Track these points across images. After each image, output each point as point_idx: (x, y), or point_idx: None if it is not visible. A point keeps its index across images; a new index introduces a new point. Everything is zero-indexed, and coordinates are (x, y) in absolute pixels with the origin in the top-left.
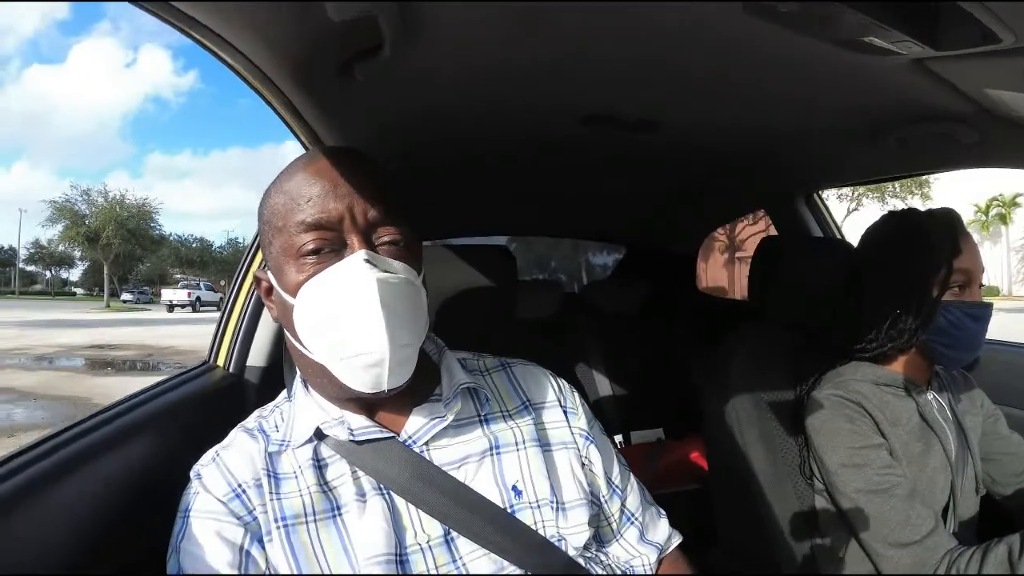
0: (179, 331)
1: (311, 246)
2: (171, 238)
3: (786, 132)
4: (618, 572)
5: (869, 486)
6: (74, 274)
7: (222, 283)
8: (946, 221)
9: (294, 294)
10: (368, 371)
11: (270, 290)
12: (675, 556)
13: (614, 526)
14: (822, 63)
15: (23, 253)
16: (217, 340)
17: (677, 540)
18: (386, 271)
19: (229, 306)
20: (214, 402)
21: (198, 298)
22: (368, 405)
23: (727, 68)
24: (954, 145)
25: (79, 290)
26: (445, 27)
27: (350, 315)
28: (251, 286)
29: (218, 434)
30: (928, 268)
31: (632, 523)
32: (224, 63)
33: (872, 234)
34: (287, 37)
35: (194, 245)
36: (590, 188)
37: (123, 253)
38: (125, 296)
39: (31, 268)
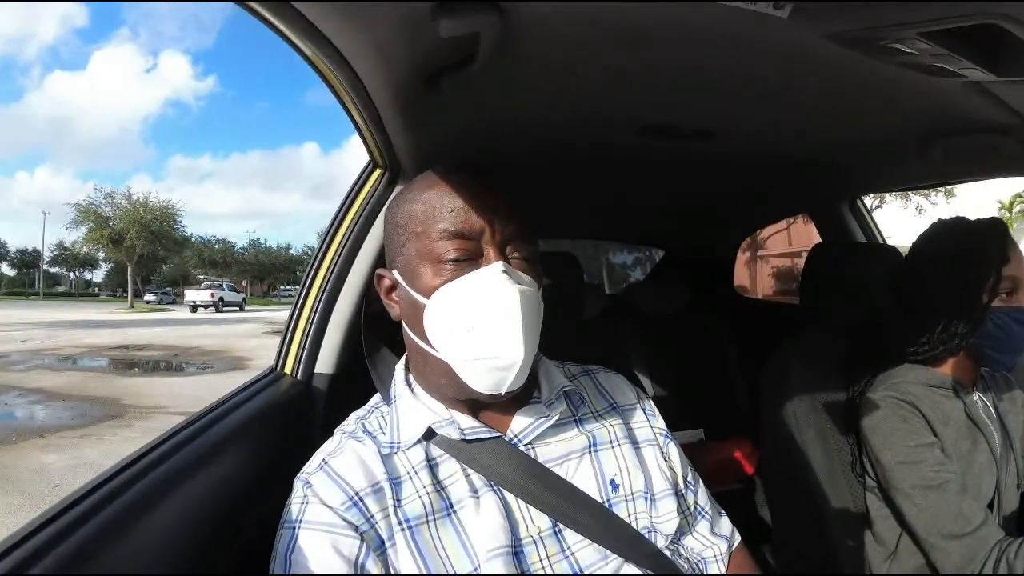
0: (203, 331)
1: (452, 254)
2: (194, 239)
3: (839, 141)
4: (694, 563)
5: (924, 482)
6: (97, 275)
7: (244, 283)
8: (995, 230)
9: (428, 295)
10: (495, 373)
11: (392, 288)
12: (742, 551)
13: (689, 520)
14: (882, 79)
15: (47, 255)
16: (284, 347)
17: (738, 537)
18: (519, 283)
19: (296, 312)
20: (286, 411)
21: (221, 298)
22: (474, 408)
23: (787, 81)
24: (996, 155)
25: (103, 292)
26: (533, 43)
27: (490, 320)
28: (319, 292)
29: (295, 443)
30: (978, 276)
31: (703, 517)
32: (323, 77)
33: (923, 242)
34: (397, 54)
35: (216, 246)
36: (637, 194)
37: (147, 254)
38: (148, 297)
39: (54, 270)
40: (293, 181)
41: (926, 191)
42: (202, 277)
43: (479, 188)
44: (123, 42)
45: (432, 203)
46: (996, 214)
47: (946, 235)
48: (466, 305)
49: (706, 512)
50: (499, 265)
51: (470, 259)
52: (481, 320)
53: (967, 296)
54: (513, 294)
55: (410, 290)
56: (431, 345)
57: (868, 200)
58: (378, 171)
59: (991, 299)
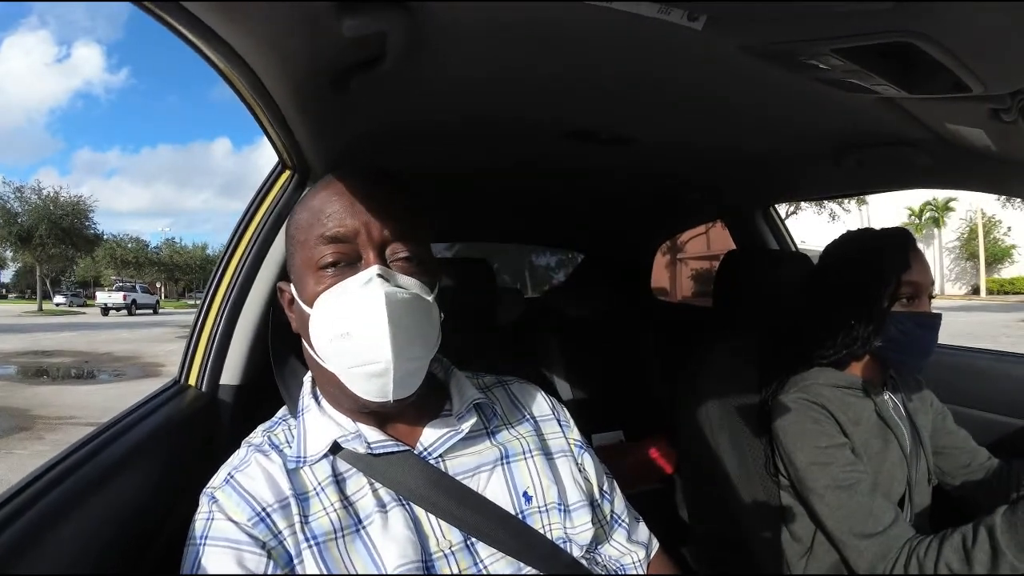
0: (116, 335)
1: (329, 259)
2: (106, 238)
3: (753, 151)
4: (612, 572)
5: (835, 482)
6: (5, 275)
7: (158, 285)
8: (896, 239)
9: (311, 304)
10: (372, 380)
11: (292, 301)
12: (661, 556)
13: (605, 528)
14: (797, 92)
15: None
16: (188, 358)
17: (656, 543)
18: (397, 286)
19: (200, 321)
20: (190, 425)
21: (134, 301)
22: (381, 420)
23: (704, 90)
24: (908, 167)
25: (11, 293)
26: (446, 43)
27: (359, 326)
28: (223, 299)
29: (200, 456)
30: (877, 281)
31: (620, 525)
32: (222, 75)
33: (831, 250)
34: (295, 52)
35: (129, 245)
36: (556, 198)
37: (57, 253)
38: (58, 299)
39: None
40: (204, 178)
41: (839, 199)
42: (115, 278)
43: (361, 189)
44: (32, 30)
45: (313, 210)
46: (906, 221)
47: (851, 244)
48: (340, 311)
49: (623, 520)
50: (374, 268)
51: (350, 264)
52: (353, 325)
53: (867, 301)
54: (379, 297)
55: (299, 300)
56: (319, 356)
57: (783, 207)
58: (287, 172)
59: (891, 304)
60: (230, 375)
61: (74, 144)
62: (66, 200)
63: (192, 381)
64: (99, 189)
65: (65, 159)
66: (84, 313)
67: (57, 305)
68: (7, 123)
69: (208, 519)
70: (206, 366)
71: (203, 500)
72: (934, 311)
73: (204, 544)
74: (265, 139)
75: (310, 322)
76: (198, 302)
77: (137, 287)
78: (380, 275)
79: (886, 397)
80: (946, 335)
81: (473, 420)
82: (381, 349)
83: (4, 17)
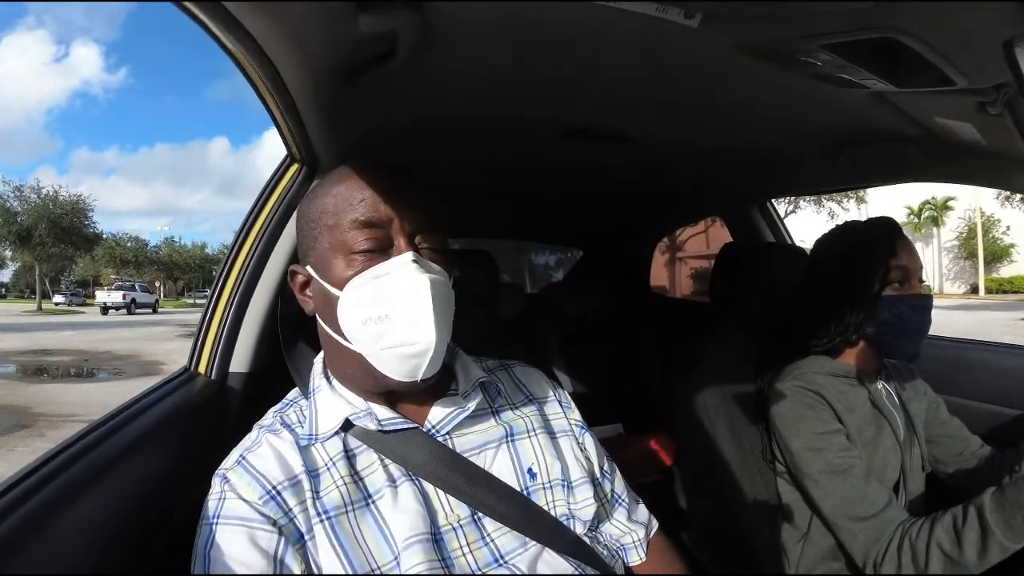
0: (115, 334)
1: (364, 244)
2: (105, 237)
3: (750, 147)
4: (613, 550)
5: (830, 467)
6: (4, 275)
7: (157, 284)
8: (882, 226)
9: (341, 287)
10: (408, 360)
11: (306, 284)
12: (660, 536)
13: (607, 507)
14: (792, 88)
15: None
16: (198, 346)
17: (656, 523)
18: (429, 272)
19: (210, 310)
20: (200, 411)
21: (133, 300)
22: (392, 399)
23: (701, 88)
24: (902, 162)
25: (10, 293)
26: (451, 41)
27: (402, 308)
28: (233, 289)
29: (211, 442)
30: (866, 267)
31: (620, 504)
32: (240, 67)
33: (822, 243)
34: (315, 46)
35: (129, 244)
36: (559, 196)
37: (56, 252)
38: (57, 298)
39: None
40: (202, 177)
41: (839, 198)
42: (114, 277)
43: (388, 180)
44: (30, 29)
45: (343, 196)
46: (905, 220)
47: (840, 235)
48: (378, 294)
49: (623, 500)
50: (409, 254)
51: (381, 249)
52: (393, 308)
53: (857, 288)
54: (423, 281)
55: (323, 283)
56: (345, 337)
57: (783, 207)
58: (296, 165)
59: (881, 289)
60: (239, 362)
61: (72, 143)
62: (65, 199)
63: (202, 369)
64: (97, 188)
65: (63, 158)
66: (83, 312)
67: (56, 304)
68: (6, 123)
69: (220, 499)
70: (216, 354)
71: (215, 481)
72: (923, 293)
73: (217, 523)
74: (263, 139)
75: (339, 304)
76: (197, 301)
77: (136, 286)
78: (415, 261)
79: (879, 386)
80: (946, 335)
81: (479, 399)
82: (424, 330)
83: (2, 17)
